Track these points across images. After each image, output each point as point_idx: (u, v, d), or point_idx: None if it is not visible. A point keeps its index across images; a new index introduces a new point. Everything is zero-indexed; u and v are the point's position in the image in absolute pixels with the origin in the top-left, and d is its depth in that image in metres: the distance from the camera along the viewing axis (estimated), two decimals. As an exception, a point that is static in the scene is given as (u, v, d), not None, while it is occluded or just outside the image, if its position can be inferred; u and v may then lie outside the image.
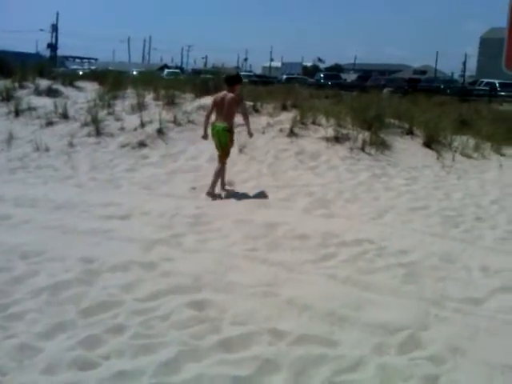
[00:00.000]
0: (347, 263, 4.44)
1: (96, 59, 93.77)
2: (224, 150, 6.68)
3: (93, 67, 56.75)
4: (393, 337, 3.27)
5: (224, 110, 6.58)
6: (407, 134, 9.81)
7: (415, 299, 3.83)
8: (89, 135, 9.15)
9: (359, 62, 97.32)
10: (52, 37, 73.49)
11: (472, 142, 10.05)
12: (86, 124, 9.53)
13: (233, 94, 6.67)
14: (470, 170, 8.38)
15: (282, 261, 4.45)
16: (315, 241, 4.96)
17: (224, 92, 6.75)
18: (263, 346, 3.12)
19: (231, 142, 6.73)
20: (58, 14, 67.78)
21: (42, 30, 77.60)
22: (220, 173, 6.67)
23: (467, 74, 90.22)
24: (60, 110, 10.27)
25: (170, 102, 10.43)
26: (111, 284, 3.95)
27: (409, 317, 3.53)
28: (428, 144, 9.30)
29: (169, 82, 12.81)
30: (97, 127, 9.20)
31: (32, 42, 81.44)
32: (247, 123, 6.79)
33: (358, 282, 4.07)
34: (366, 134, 8.80)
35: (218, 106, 6.68)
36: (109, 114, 10.08)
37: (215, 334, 3.23)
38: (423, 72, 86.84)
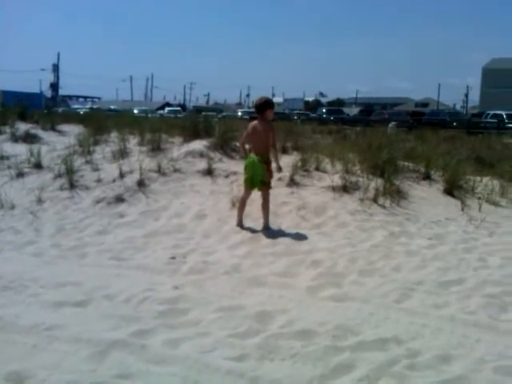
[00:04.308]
0: (369, 384, 3.20)
1: (99, 98, 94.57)
2: (264, 184, 6.35)
3: (95, 106, 56.93)
4: None
5: (258, 141, 6.28)
6: (424, 179, 8.64)
7: None
8: (61, 188, 8.00)
9: (361, 95, 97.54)
10: (54, 76, 74.09)
11: (496, 184, 8.89)
12: (59, 175, 8.40)
13: (265, 121, 6.34)
14: (501, 223, 7.15)
15: (278, 382, 3.22)
16: (323, 341, 3.72)
17: (256, 121, 6.33)
18: None
19: (269, 173, 6.37)
20: (58, 54, 68.66)
21: (43, 69, 77.75)
22: (267, 205, 6.39)
23: (469, 105, 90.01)
24: (33, 159, 9.20)
25: (156, 148, 9.32)
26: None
27: None
28: (449, 191, 8.11)
29: (158, 124, 11.72)
30: (70, 179, 8.05)
31: (36, 81, 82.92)
32: (276, 156, 6.49)
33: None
34: (379, 182, 7.60)
35: (251, 136, 6.30)
36: (86, 162, 8.96)
37: None
38: (425, 105, 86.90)
